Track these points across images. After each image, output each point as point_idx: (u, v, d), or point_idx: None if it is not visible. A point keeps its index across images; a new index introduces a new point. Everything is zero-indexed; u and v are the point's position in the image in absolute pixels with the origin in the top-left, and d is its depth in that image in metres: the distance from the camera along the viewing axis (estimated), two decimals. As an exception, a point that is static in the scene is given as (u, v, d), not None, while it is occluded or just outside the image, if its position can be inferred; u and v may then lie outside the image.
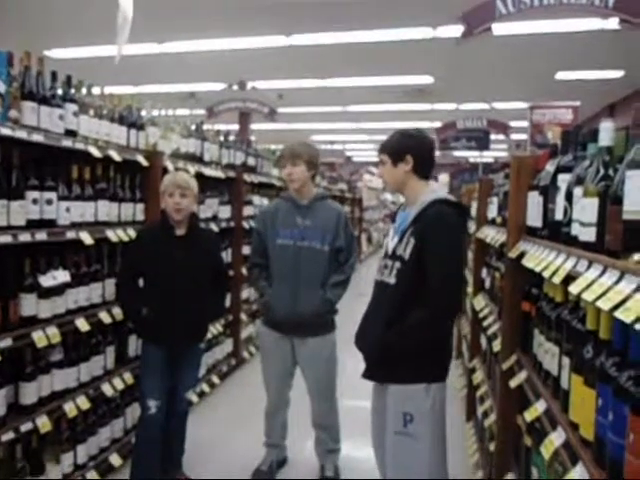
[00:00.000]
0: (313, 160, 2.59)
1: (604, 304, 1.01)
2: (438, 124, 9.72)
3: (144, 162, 2.89)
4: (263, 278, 2.63)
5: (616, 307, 0.97)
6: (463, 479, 2.56)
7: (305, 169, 2.55)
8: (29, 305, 2.15)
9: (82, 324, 2.40)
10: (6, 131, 1.97)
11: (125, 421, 2.83)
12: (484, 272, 3.36)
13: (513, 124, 9.28)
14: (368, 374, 1.96)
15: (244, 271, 4.57)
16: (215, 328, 3.93)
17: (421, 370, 1.84)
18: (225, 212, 4.19)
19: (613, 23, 3.52)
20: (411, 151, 1.90)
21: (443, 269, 1.77)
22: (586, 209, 1.30)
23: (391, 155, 1.92)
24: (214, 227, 3.83)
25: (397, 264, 1.84)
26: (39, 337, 2.14)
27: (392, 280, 1.85)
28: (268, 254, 2.61)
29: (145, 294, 2.50)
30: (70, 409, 2.32)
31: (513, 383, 1.96)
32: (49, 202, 2.23)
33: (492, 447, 2.33)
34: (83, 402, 2.40)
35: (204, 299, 2.52)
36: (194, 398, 3.03)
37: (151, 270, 2.47)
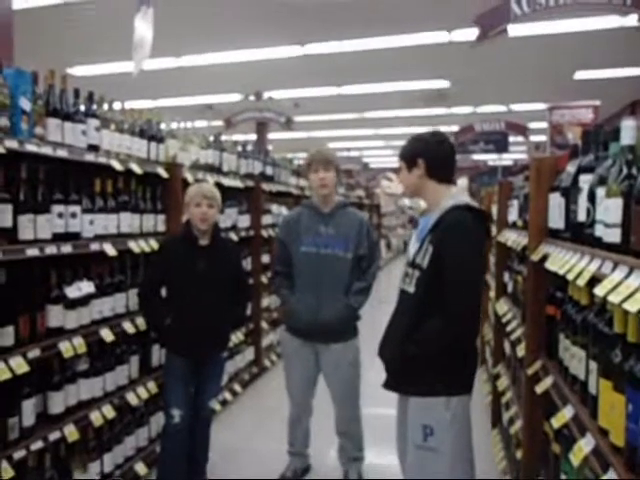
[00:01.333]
0: (339, 168, 2.65)
1: (632, 306, 0.99)
2: (456, 128, 9.66)
3: (164, 174, 2.94)
4: (286, 286, 2.65)
5: (644, 309, 0.94)
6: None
7: (334, 175, 2.58)
8: (56, 316, 2.20)
9: (107, 334, 2.44)
10: (32, 147, 2.03)
11: (150, 430, 2.86)
12: (506, 276, 3.31)
13: (532, 126, 9.17)
14: (389, 385, 1.94)
15: (264, 279, 4.60)
16: (236, 336, 3.95)
17: (440, 382, 1.78)
18: (244, 221, 4.23)
19: (632, 20, 3.46)
20: (422, 155, 1.85)
21: (460, 278, 1.72)
22: (610, 209, 1.28)
23: (405, 160, 1.90)
24: (233, 236, 3.86)
25: (416, 272, 1.81)
26: (66, 347, 2.18)
27: (411, 289, 1.83)
28: (291, 262, 2.62)
29: (168, 304, 2.54)
30: (96, 418, 2.36)
31: (539, 389, 1.92)
32: (73, 215, 2.28)
33: (519, 454, 2.28)
34: (109, 411, 2.44)
35: (226, 308, 2.55)
36: (217, 406, 3.05)
37: (174, 280, 2.52)
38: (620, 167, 1.28)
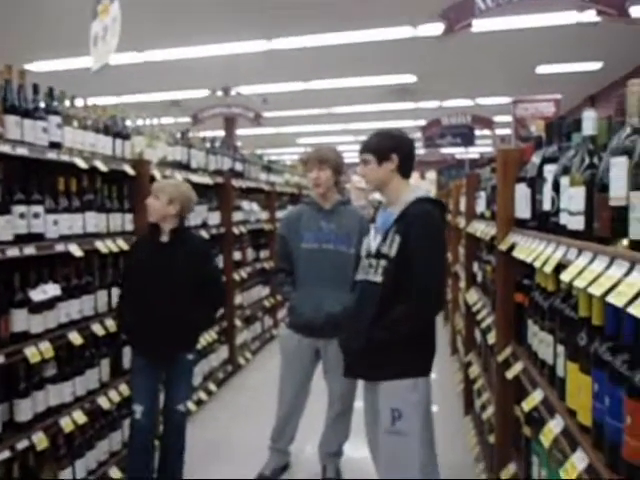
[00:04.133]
0: (339, 167, 2.65)
1: (596, 290, 1.03)
2: (423, 122, 9.77)
3: (131, 171, 2.87)
4: (288, 283, 2.65)
5: (607, 292, 0.98)
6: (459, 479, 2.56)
7: (331, 174, 2.60)
8: (20, 320, 2.12)
9: (75, 337, 2.37)
10: (-11, 146, 1.95)
11: (123, 434, 2.80)
12: (475, 266, 3.39)
13: (497, 119, 9.36)
14: (355, 373, 1.99)
15: (236, 277, 4.56)
16: (210, 335, 3.90)
17: (408, 365, 1.88)
18: (214, 218, 4.18)
19: (589, 15, 3.57)
20: (396, 150, 1.94)
21: (429, 264, 1.83)
22: (573, 198, 1.32)
23: (376, 154, 1.95)
24: (204, 234, 3.81)
25: (382, 262, 1.88)
26: (32, 353, 2.11)
27: (378, 278, 1.88)
28: (292, 259, 2.62)
29: (129, 302, 2.50)
30: (66, 424, 2.30)
31: (510, 374, 1.98)
32: (36, 216, 2.20)
33: (492, 439, 2.34)
34: (79, 416, 2.37)
35: (189, 308, 2.44)
36: (191, 406, 3.01)
37: (133, 278, 2.49)
38: (582, 157, 1.32)
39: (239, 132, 11.15)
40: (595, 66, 7.69)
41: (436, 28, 4.16)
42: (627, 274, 0.96)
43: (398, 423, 1.84)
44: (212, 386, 3.98)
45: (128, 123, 3.06)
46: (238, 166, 4.80)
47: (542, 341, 1.64)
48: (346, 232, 2.59)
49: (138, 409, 2.45)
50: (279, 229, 2.84)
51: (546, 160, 1.66)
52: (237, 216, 4.64)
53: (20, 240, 2.10)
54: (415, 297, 1.81)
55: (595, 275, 1.07)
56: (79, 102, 2.64)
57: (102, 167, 2.61)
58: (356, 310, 1.98)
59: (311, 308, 2.54)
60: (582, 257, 1.21)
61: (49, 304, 2.27)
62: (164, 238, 2.47)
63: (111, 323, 2.62)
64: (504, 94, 8.79)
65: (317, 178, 2.58)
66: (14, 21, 5.63)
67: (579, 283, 1.12)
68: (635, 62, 6.79)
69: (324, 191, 2.61)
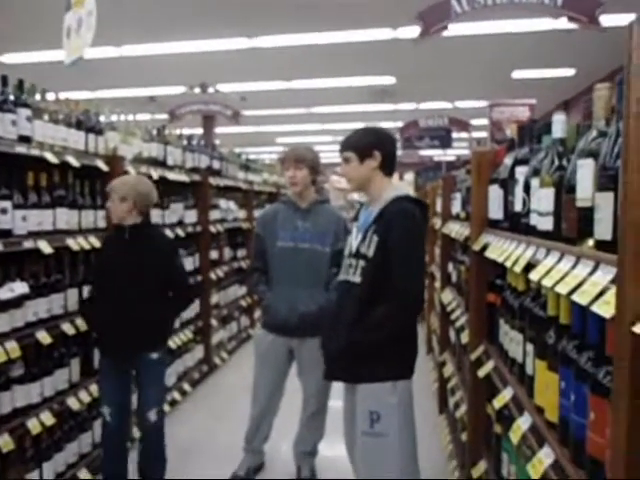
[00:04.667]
0: (315, 166, 2.64)
1: (562, 288, 1.05)
2: (401, 124, 9.85)
3: (104, 167, 2.81)
4: (263, 282, 2.63)
5: (573, 291, 1.00)
6: (436, 479, 2.59)
7: (307, 174, 2.59)
8: (-15, 319, 2.06)
9: (43, 337, 2.31)
10: (-46, 138, 1.89)
11: (93, 435, 2.74)
12: (450, 266, 3.43)
13: (474, 122, 9.51)
14: (335, 375, 1.97)
15: (213, 276, 4.52)
16: (185, 334, 3.86)
17: (388, 367, 1.85)
18: (191, 217, 4.13)
19: (563, 22, 3.66)
20: (378, 147, 1.91)
21: (409, 264, 1.81)
22: (543, 199, 1.34)
23: (358, 151, 1.92)
24: (180, 232, 3.76)
25: (361, 262, 1.85)
26: (-3, 352, 2.05)
27: (357, 279, 1.86)
28: (267, 258, 2.61)
29: (97, 300, 2.47)
30: (34, 426, 2.23)
31: (481, 373, 2.01)
32: (4, 211, 2.14)
33: (464, 437, 2.37)
34: (48, 417, 2.31)
35: (150, 307, 2.39)
36: (165, 407, 2.96)
37: (99, 274, 2.48)
38: (552, 159, 1.35)
39: (218, 130, 11.06)
40: (568, 72, 7.89)
41: (415, 31, 4.20)
42: (591, 273, 0.98)
43: (376, 425, 1.81)
44: (187, 386, 3.93)
45: (102, 119, 3.00)
46: (216, 164, 4.76)
47: (512, 340, 1.67)
48: (322, 231, 2.58)
49: (106, 411, 2.42)
50: (256, 228, 2.83)
51: (518, 162, 1.69)
52: (214, 214, 4.60)
53: (-14, 236, 2.04)
54: (395, 298, 1.78)
55: (562, 274, 1.09)
56: (51, 96, 2.57)
57: (74, 162, 2.55)
58: (336, 311, 1.96)
59: (285, 307, 2.53)
60: (550, 257, 1.24)
61: (16, 302, 2.20)
62: (126, 235, 2.43)
63: (81, 322, 2.56)
64: (481, 97, 8.94)
65: (294, 177, 2.58)
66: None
67: (546, 282, 1.14)
68: (607, 69, 6.98)
69: (301, 190, 2.60)
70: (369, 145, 1.91)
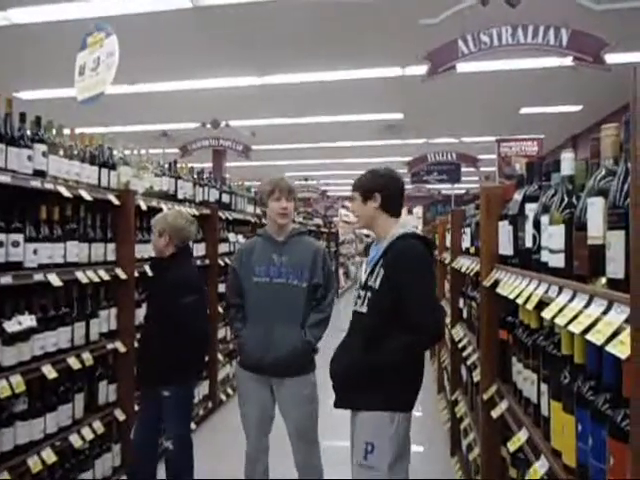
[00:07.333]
0: (296, 197, 2.66)
1: (575, 328, 1.02)
2: (409, 158, 9.95)
3: (115, 201, 2.85)
4: (239, 319, 2.55)
5: (587, 330, 0.98)
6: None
7: (294, 205, 2.59)
8: (-8, 352, 2.05)
9: (49, 371, 2.29)
10: (-29, 173, 1.93)
11: (94, 474, 2.67)
12: (461, 302, 3.38)
13: (482, 157, 9.58)
14: (340, 403, 1.97)
15: (220, 309, 4.49)
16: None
17: (390, 398, 1.86)
18: (200, 250, 4.15)
19: (569, 60, 3.72)
20: (379, 189, 1.98)
21: (418, 298, 1.83)
22: (553, 236, 1.33)
23: (361, 193, 2.01)
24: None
25: (368, 294, 1.92)
26: (2, 387, 2.03)
27: (364, 309, 1.93)
28: (243, 293, 2.54)
29: None
30: (34, 464, 2.19)
31: (495, 413, 1.95)
32: (15, 244, 2.16)
33: (477, 481, 2.28)
34: (49, 455, 2.26)
35: (152, 343, 2.51)
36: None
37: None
38: (561, 196, 1.35)
39: (228, 164, 11.25)
40: (575, 108, 7.98)
41: (423, 70, 4.30)
42: (605, 312, 0.96)
43: (370, 457, 1.82)
44: (191, 424, 3.84)
45: (115, 153, 3.06)
46: (225, 198, 4.81)
47: (526, 379, 1.62)
48: (299, 264, 2.48)
49: (133, 428, 2.64)
50: (232, 263, 2.70)
51: (527, 198, 1.69)
52: (223, 248, 4.62)
53: (-3, 269, 2.06)
54: (413, 332, 1.81)
55: (575, 313, 1.06)
56: (66, 131, 2.64)
57: (86, 196, 2.59)
58: (345, 339, 2.03)
59: (259, 347, 2.43)
60: (563, 295, 1.22)
61: (24, 336, 2.20)
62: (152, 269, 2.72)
63: (88, 356, 2.54)
64: (488, 134, 9.04)
65: (286, 208, 2.51)
66: (3, 50, 5.69)
67: (560, 321, 1.12)
68: (614, 105, 7.06)
69: (289, 221, 2.57)
70: (370, 188, 1.99)
